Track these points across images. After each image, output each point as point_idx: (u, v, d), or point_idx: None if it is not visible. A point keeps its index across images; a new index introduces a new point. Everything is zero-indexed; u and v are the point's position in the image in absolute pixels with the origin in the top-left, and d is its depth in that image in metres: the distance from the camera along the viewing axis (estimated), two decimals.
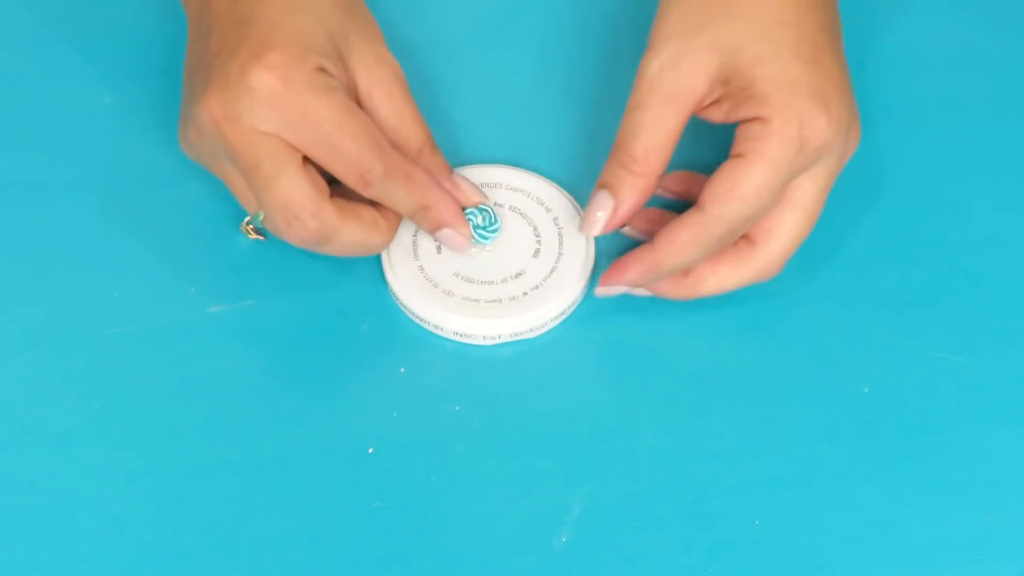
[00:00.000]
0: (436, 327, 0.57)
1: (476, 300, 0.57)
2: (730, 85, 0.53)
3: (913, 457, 0.55)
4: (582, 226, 0.56)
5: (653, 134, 0.54)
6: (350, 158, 0.53)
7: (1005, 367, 0.57)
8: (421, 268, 0.58)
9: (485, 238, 0.58)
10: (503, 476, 0.54)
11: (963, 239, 0.61)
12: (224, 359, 0.57)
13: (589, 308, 0.58)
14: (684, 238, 0.54)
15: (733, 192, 0.52)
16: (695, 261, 0.55)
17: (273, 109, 0.52)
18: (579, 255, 0.59)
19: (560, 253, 0.59)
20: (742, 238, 0.55)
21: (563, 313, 0.58)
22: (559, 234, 0.59)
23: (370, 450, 0.54)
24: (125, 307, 0.58)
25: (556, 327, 0.58)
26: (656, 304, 0.58)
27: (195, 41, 0.57)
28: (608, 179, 0.55)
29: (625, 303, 0.58)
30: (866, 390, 0.56)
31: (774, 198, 0.53)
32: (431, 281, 0.58)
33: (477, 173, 0.61)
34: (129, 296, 0.58)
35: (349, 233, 0.54)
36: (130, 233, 0.60)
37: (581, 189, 0.56)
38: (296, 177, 0.53)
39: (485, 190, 0.60)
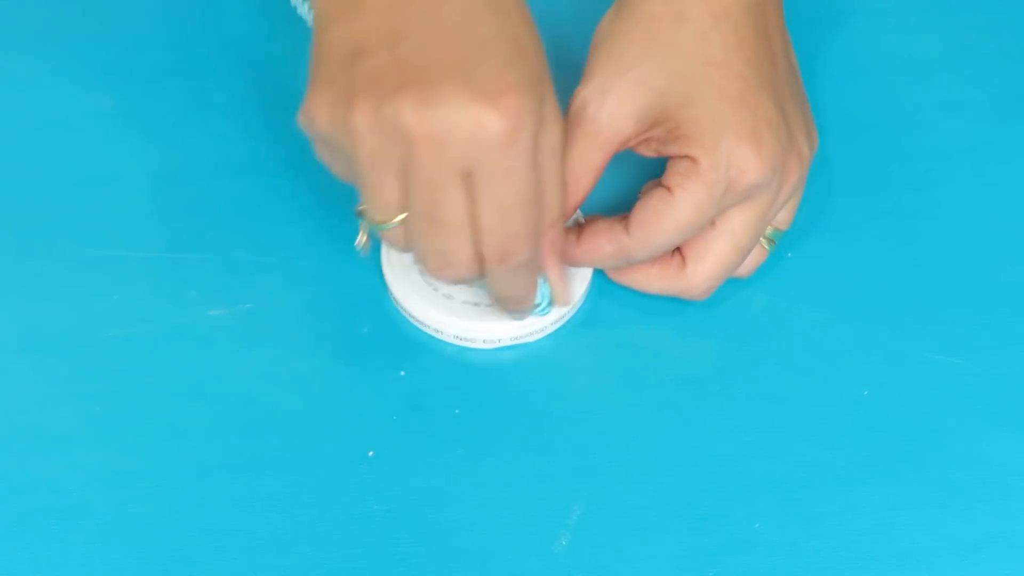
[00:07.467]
0: (436, 331, 0.57)
1: (476, 304, 0.57)
2: (658, 127, 0.53)
3: (913, 460, 0.55)
4: None
5: (573, 166, 0.54)
6: None
7: (1005, 370, 0.57)
8: (421, 271, 0.58)
9: (545, 311, 0.57)
10: (503, 479, 0.54)
11: (963, 241, 0.61)
12: (224, 362, 0.56)
13: (589, 312, 0.58)
14: (606, 250, 0.55)
15: (657, 225, 0.53)
16: (612, 267, 0.57)
17: None
18: None
19: None
20: (677, 252, 0.56)
21: (563, 317, 0.58)
22: None
23: (370, 453, 0.54)
24: (125, 310, 0.58)
25: (556, 331, 0.58)
26: (656, 306, 0.58)
27: None
28: None
29: (625, 305, 0.59)
30: (866, 392, 0.56)
31: (698, 231, 0.54)
32: (431, 285, 0.57)
33: None
34: (129, 299, 0.58)
35: None
36: (130, 235, 0.60)
37: None
38: None
39: None
